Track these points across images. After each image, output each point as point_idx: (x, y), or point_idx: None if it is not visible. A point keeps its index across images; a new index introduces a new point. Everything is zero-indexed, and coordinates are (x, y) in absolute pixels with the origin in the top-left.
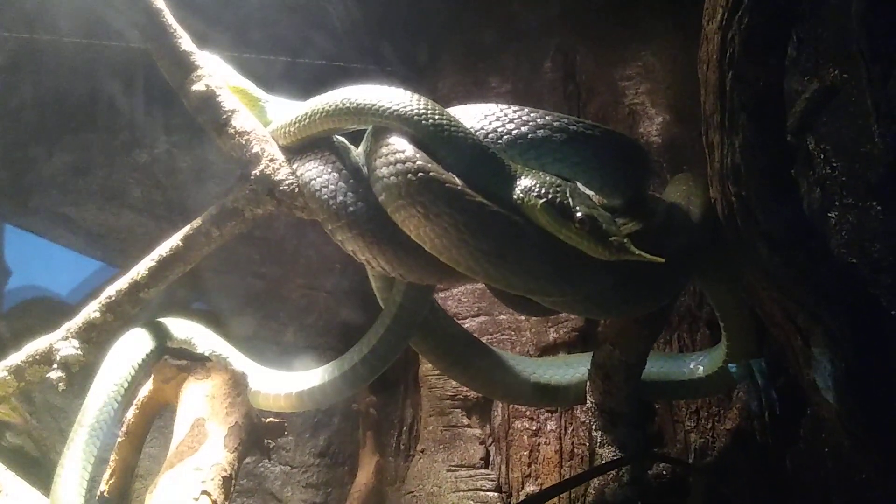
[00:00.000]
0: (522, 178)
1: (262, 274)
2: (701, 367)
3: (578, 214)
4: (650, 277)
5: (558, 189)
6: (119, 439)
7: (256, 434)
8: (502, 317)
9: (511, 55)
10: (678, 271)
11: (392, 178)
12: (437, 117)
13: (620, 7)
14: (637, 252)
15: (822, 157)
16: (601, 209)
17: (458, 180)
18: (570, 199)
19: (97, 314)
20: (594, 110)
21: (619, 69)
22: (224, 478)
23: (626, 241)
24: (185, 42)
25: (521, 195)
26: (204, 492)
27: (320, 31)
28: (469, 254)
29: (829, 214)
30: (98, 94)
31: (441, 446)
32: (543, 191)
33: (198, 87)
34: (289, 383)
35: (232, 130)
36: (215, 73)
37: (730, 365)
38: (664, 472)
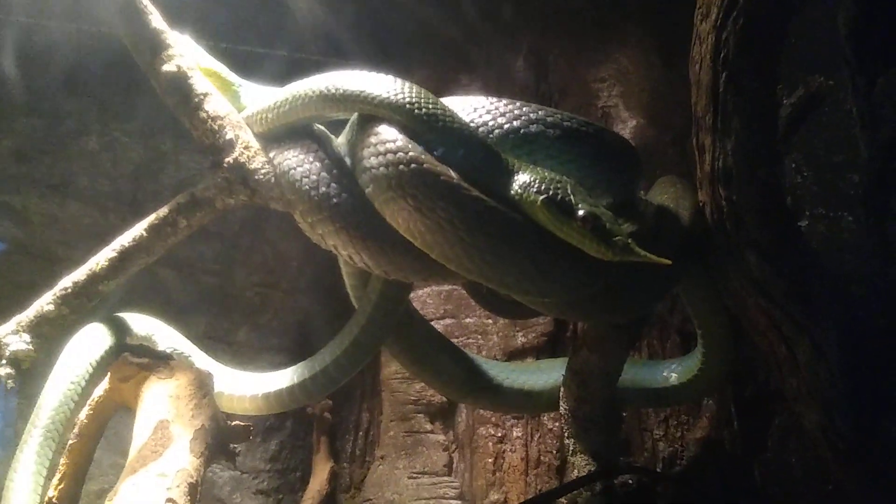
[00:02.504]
0: (520, 173)
1: (214, 270)
2: (674, 375)
3: (581, 212)
4: (641, 282)
5: (559, 185)
6: (71, 441)
7: (223, 438)
8: (469, 320)
9: (482, 53)
10: (669, 276)
11: (381, 168)
12: (430, 106)
13: (595, 8)
14: (643, 253)
15: (794, 165)
16: (603, 208)
17: (453, 173)
18: (571, 196)
19: (51, 307)
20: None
21: (592, 70)
22: (190, 484)
23: (630, 241)
24: (156, 19)
25: (520, 191)
26: (169, 500)
27: (285, 24)
28: (463, 251)
29: (799, 224)
30: (43, 78)
31: (402, 452)
32: (543, 187)
33: (168, 67)
34: (255, 384)
35: (204, 115)
36: (187, 54)
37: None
38: (630, 481)
